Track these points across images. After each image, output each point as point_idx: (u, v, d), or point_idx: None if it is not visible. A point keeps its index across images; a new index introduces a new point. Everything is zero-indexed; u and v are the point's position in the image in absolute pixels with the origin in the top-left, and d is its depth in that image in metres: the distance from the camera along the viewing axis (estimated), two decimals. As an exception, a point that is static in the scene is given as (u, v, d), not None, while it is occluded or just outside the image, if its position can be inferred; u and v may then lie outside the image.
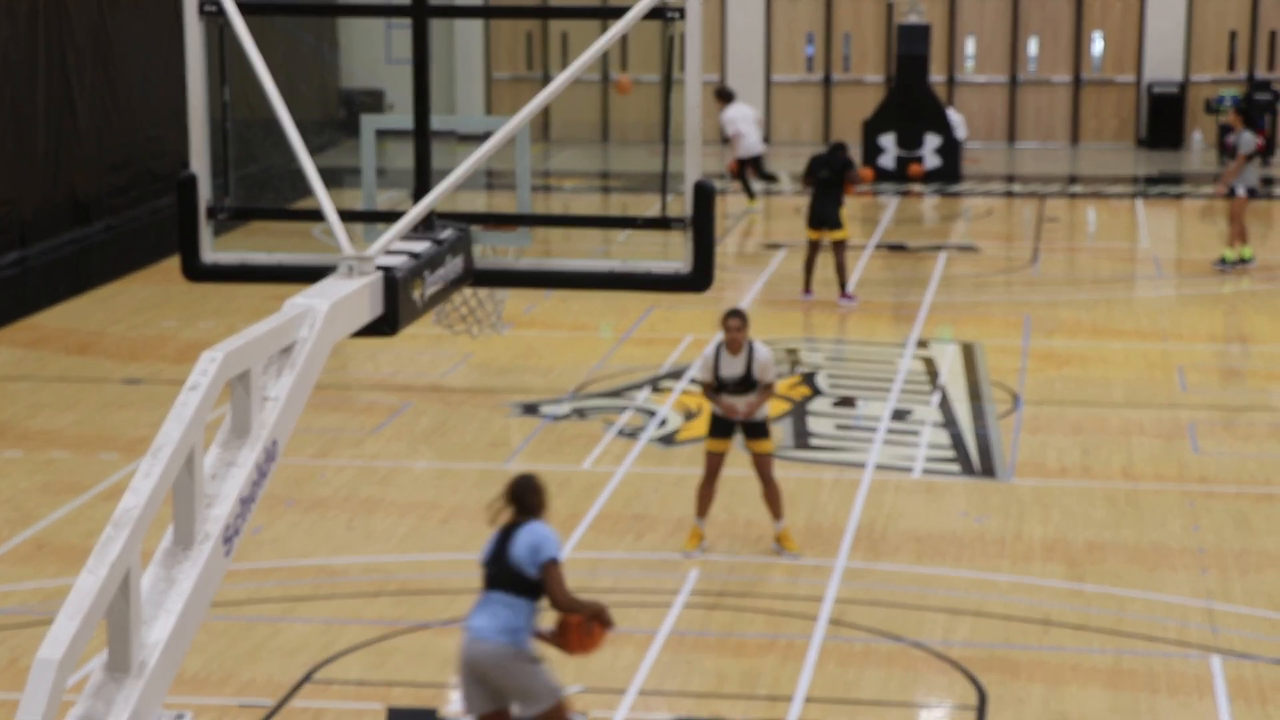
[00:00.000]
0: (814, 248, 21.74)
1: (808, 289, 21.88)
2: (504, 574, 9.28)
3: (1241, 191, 23.62)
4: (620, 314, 21.10)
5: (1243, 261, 23.71)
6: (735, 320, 13.27)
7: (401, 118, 8.38)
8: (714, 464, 13.48)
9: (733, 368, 13.29)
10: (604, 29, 8.08)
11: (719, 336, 13.42)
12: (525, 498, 9.40)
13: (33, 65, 24.52)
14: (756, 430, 13.39)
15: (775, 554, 13.40)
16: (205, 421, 5.96)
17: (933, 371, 18.68)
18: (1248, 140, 23.78)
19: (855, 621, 12.23)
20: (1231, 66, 34.95)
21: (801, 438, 16.38)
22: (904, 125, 31.26)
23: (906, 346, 19.72)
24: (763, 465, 13.43)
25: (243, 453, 6.32)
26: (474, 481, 15.18)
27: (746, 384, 13.30)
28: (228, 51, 8.04)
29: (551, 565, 9.20)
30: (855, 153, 30.97)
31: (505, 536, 9.34)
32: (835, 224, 21.54)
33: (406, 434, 16.57)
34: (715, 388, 13.36)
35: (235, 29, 7.85)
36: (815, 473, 15.29)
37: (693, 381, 13.12)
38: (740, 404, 13.29)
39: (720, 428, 13.44)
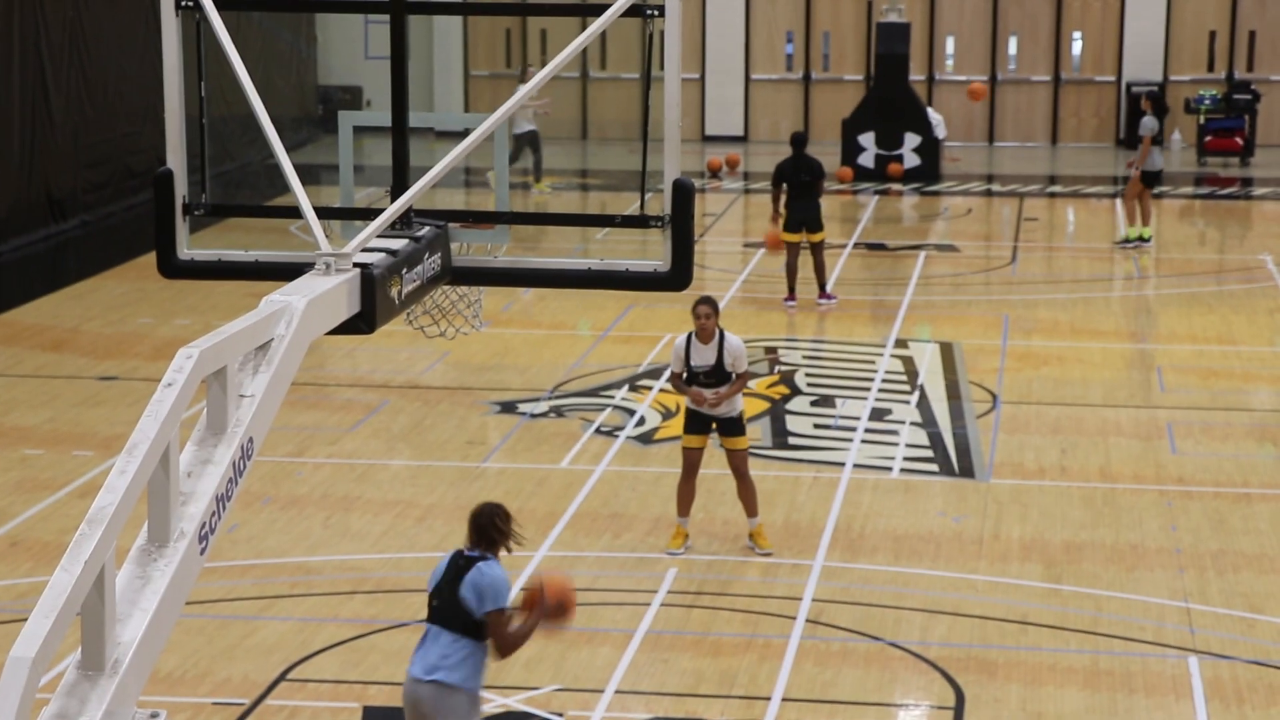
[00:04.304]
0: (794, 251, 21.51)
1: (791, 295, 21.61)
2: (451, 609, 8.62)
3: None
4: (598, 312, 21.06)
5: None
6: (705, 307, 13.16)
7: (379, 114, 8.36)
8: (692, 460, 13.41)
9: (704, 356, 13.18)
10: (583, 26, 8.07)
11: (687, 333, 13.38)
12: (488, 530, 8.70)
13: (7, 60, 24.42)
14: (731, 426, 13.32)
15: (749, 551, 13.40)
16: (181, 419, 5.94)
17: (911, 371, 18.68)
18: None
19: (833, 621, 12.22)
20: (1211, 67, 35.02)
21: (780, 437, 16.36)
22: (883, 124, 31.25)
23: (885, 346, 19.71)
24: (737, 461, 13.36)
25: (219, 450, 6.29)
26: (451, 480, 15.14)
27: (718, 374, 13.19)
28: (205, 47, 8.00)
29: (498, 615, 8.56)
30: (835, 152, 31.06)
31: (456, 569, 8.66)
32: (815, 225, 21.45)
33: (384, 432, 16.53)
34: (686, 378, 13.27)
35: (212, 24, 7.82)
36: (793, 472, 15.27)
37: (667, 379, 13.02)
38: (709, 394, 13.18)
39: (696, 423, 13.35)
